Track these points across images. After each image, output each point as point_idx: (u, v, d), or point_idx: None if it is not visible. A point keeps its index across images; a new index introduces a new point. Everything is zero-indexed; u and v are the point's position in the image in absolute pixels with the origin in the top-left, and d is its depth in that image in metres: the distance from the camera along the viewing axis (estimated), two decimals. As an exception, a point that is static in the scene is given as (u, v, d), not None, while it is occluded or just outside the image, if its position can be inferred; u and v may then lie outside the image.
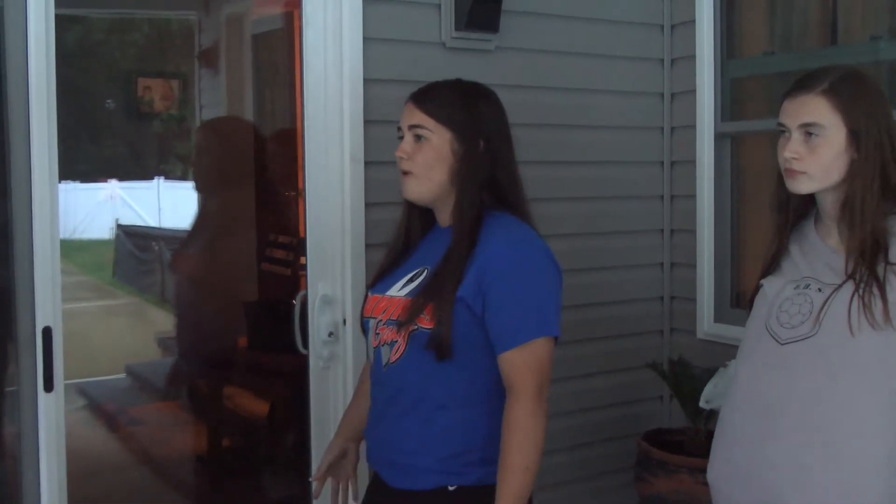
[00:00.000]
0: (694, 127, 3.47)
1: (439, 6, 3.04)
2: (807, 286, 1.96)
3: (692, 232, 3.50)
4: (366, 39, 2.90)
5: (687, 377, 3.19)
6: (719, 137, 3.43)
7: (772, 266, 2.07)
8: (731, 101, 3.44)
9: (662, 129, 3.59)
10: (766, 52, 3.46)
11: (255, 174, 4.56)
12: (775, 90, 3.47)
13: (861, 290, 1.86)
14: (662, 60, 3.57)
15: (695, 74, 3.45)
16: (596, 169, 3.45)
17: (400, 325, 2.02)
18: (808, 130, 1.92)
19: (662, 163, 3.60)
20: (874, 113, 1.92)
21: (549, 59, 3.30)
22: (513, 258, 2.01)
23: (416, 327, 2.00)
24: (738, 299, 3.47)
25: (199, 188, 4.46)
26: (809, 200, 2.05)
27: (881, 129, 1.91)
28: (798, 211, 2.08)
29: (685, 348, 3.48)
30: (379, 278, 2.19)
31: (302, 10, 2.90)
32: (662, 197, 3.61)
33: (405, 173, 2.09)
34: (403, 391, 2.05)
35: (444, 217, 2.13)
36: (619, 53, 3.46)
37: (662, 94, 3.58)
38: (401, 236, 2.20)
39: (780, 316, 1.97)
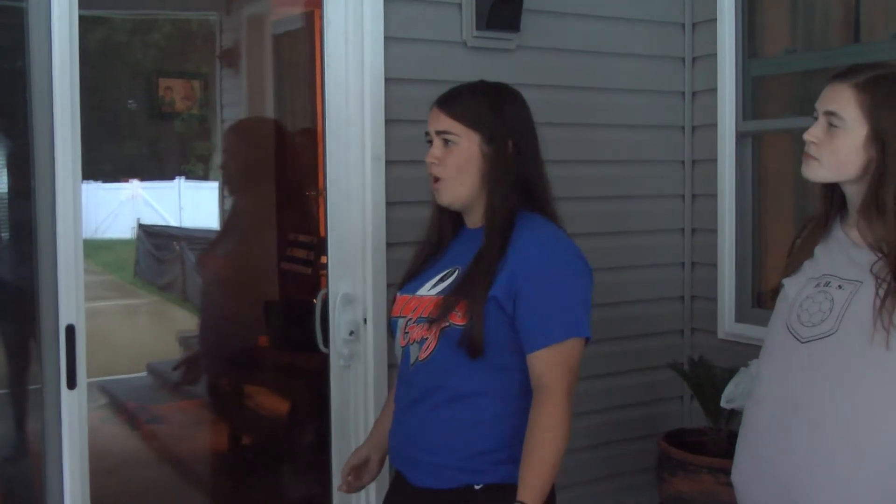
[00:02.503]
0: (715, 126, 3.45)
1: (460, 5, 3.04)
2: (827, 283, 1.95)
3: (713, 231, 3.48)
4: (387, 39, 2.91)
5: (708, 377, 3.18)
6: (741, 136, 3.41)
7: (794, 266, 2.06)
8: (753, 100, 3.42)
9: (683, 127, 3.58)
10: (788, 51, 3.44)
11: (286, 173, 4.59)
12: (797, 89, 3.45)
13: (881, 292, 1.85)
14: (684, 59, 3.55)
15: (716, 73, 3.43)
16: (617, 168, 3.44)
17: (431, 321, 2.03)
18: (831, 120, 1.91)
19: (683, 162, 3.59)
20: None
21: (571, 58, 3.30)
22: (545, 259, 2.02)
23: (448, 324, 2.00)
24: (759, 299, 3.45)
25: (231, 191, 4.48)
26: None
27: None
28: (839, 205, 2.05)
29: (706, 348, 3.47)
30: (408, 279, 2.19)
31: (323, 10, 2.90)
32: (683, 196, 3.60)
33: (437, 179, 2.10)
34: (431, 389, 2.06)
35: (475, 218, 2.13)
36: (641, 52, 3.45)
37: (684, 93, 3.56)
38: (432, 238, 2.21)
39: (800, 314, 1.96)
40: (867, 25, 3.24)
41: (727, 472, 2.11)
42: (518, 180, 2.08)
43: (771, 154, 3.48)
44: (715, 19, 3.42)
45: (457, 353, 2.00)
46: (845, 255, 1.96)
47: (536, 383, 1.99)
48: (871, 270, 1.88)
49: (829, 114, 1.91)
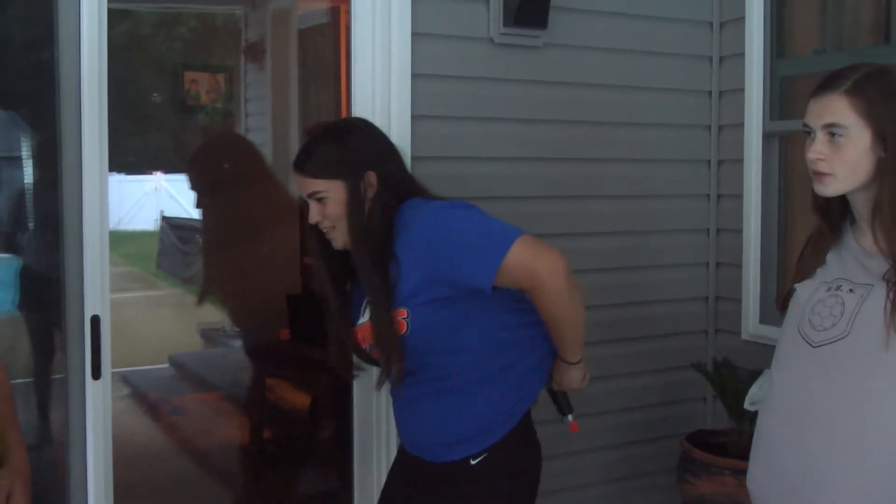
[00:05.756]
0: (742, 126, 3.43)
1: (488, 2, 3.03)
2: (838, 287, 1.93)
3: (738, 232, 3.46)
4: (414, 35, 2.90)
5: (731, 378, 3.16)
6: (767, 136, 3.39)
7: (806, 273, 2.04)
8: (781, 100, 3.40)
9: (710, 127, 3.56)
10: (817, 51, 3.41)
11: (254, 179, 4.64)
12: (826, 89, 3.42)
13: (892, 295, 1.82)
14: (711, 58, 3.53)
15: (744, 72, 3.41)
16: (642, 167, 3.42)
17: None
18: (832, 131, 1.89)
19: (709, 161, 3.57)
20: None
21: (597, 56, 3.28)
22: (431, 222, 2.10)
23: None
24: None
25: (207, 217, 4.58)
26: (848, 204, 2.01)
27: None
28: (840, 214, 2.04)
29: (729, 349, 3.45)
30: (349, 313, 2.28)
31: (350, 5, 2.91)
32: (709, 196, 3.58)
33: (331, 228, 2.19)
34: (418, 388, 2.20)
35: None
36: (668, 50, 3.43)
37: (710, 92, 3.54)
38: (335, 277, 2.28)
39: (812, 319, 1.94)
40: (898, 26, 3.21)
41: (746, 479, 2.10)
42: (391, 200, 2.17)
43: (798, 154, 3.44)
44: (743, 18, 3.40)
45: (425, 356, 2.14)
46: (857, 262, 1.94)
47: (525, 291, 2.12)
48: (883, 277, 1.87)
49: (829, 126, 1.89)
